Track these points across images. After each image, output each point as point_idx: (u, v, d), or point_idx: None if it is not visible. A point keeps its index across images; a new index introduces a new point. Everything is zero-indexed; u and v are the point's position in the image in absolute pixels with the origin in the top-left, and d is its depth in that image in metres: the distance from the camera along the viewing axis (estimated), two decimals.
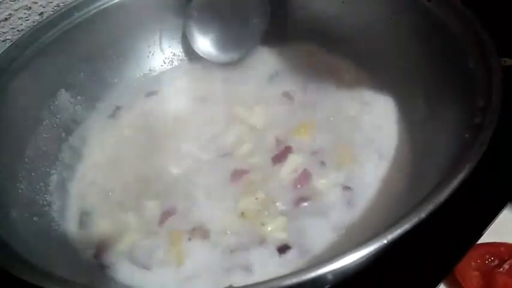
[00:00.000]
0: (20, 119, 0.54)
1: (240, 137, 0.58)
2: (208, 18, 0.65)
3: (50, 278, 0.36)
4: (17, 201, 0.49)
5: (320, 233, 0.47)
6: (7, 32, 0.66)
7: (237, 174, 0.53)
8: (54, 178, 0.55)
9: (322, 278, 0.32)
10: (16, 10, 0.66)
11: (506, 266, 0.47)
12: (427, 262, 0.46)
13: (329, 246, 0.46)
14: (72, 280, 0.36)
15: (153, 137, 0.60)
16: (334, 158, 0.53)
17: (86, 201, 0.55)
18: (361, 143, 0.55)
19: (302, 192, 0.51)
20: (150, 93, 0.66)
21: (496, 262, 0.48)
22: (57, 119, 0.59)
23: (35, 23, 0.66)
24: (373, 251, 0.33)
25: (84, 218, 0.53)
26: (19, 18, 0.67)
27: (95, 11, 0.62)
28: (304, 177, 0.52)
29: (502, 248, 0.49)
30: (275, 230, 0.48)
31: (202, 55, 0.67)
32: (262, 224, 0.48)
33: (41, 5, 0.68)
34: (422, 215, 0.34)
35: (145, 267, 0.47)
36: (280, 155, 0.55)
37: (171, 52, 0.69)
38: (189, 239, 0.49)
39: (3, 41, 0.67)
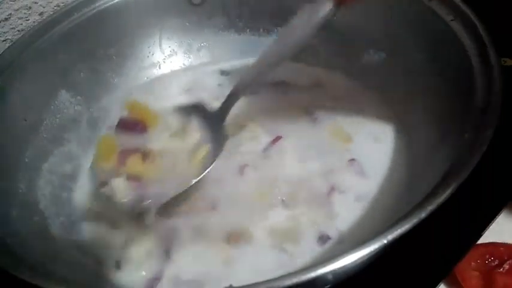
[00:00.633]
0: (20, 119, 0.54)
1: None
2: None
3: (50, 278, 0.36)
4: (17, 201, 0.49)
5: None
6: (7, 32, 0.66)
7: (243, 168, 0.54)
8: (54, 178, 0.55)
9: (323, 278, 0.32)
10: (16, 10, 0.66)
11: (506, 266, 0.47)
12: (427, 262, 0.46)
13: None
14: (72, 280, 0.36)
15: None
16: None
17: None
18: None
19: None
20: (150, 93, 0.66)
21: (496, 262, 0.48)
22: (57, 119, 0.59)
23: (35, 23, 0.66)
24: (373, 251, 0.33)
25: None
26: (19, 18, 0.67)
27: (94, 11, 0.62)
28: None
29: (502, 248, 0.49)
30: None
31: None
32: None
33: (41, 5, 0.68)
34: (423, 215, 0.34)
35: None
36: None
37: (171, 52, 0.69)
38: None
39: (3, 41, 0.67)
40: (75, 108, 0.61)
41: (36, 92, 0.57)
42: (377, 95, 0.59)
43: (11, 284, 0.37)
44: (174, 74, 0.69)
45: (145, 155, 0.51)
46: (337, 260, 0.32)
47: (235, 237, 0.48)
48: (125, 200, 0.48)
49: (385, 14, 0.58)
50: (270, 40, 0.68)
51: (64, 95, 0.60)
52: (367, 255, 0.33)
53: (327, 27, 0.47)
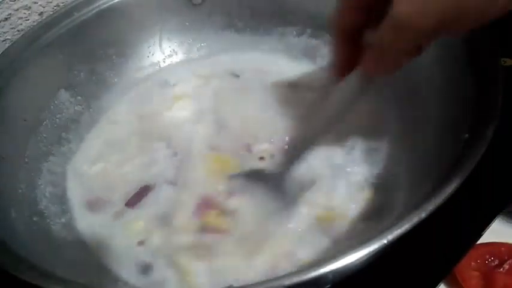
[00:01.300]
0: (20, 119, 0.54)
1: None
2: None
3: (50, 278, 0.36)
4: (17, 201, 0.49)
5: None
6: (7, 32, 0.66)
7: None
8: (54, 178, 0.55)
9: (323, 278, 0.32)
10: (16, 10, 0.66)
11: (506, 266, 0.48)
12: (427, 262, 0.46)
13: None
14: (72, 280, 0.36)
15: (152, 138, 0.60)
16: None
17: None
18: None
19: None
20: (150, 93, 0.66)
21: (496, 262, 0.48)
22: (57, 119, 0.59)
23: (35, 23, 0.66)
24: (373, 251, 0.33)
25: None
26: (19, 18, 0.67)
27: (94, 11, 0.62)
28: None
29: (502, 248, 0.49)
30: None
31: None
32: None
33: (40, 5, 0.68)
34: (423, 215, 0.34)
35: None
36: None
37: (171, 52, 0.69)
38: None
39: (3, 41, 0.67)
40: (75, 108, 0.61)
41: (36, 92, 0.57)
42: (376, 95, 0.59)
43: (11, 284, 0.37)
44: (174, 73, 0.69)
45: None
46: (338, 260, 0.32)
47: None
48: None
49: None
50: (270, 40, 0.69)
51: (64, 95, 0.60)
52: (367, 255, 0.33)
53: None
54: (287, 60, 0.67)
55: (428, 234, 0.41)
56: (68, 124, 0.60)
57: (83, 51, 0.62)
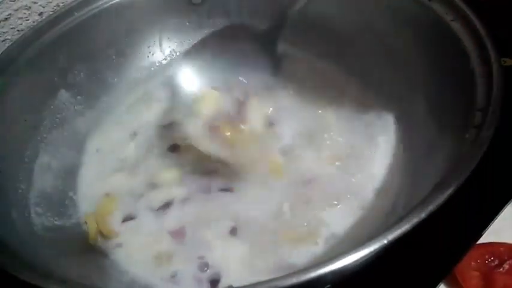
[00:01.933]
0: (20, 119, 0.54)
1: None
2: None
3: (50, 278, 0.36)
4: (17, 202, 0.49)
5: None
6: (7, 32, 0.66)
7: None
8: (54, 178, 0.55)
9: (323, 278, 0.32)
10: (16, 10, 0.66)
11: (506, 266, 0.48)
12: (427, 262, 0.46)
13: None
14: (72, 280, 0.36)
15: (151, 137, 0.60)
16: None
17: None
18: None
19: None
20: (149, 93, 0.66)
21: (496, 262, 0.48)
22: (57, 119, 0.59)
23: (35, 23, 0.66)
24: (374, 251, 0.33)
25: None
26: (19, 18, 0.67)
27: (94, 11, 0.62)
28: None
29: (502, 248, 0.49)
30: None
31: None
32: None
33: (40, 5, 0.68)
34: (423, 215, 0.34)
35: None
36: None
37: (171, 52, 0.69)
38: None
39: (2, 41, 0.67)
40: (75, 108, 0.61)
41: (36, 92, 0.57)
42: (376, 96, 0.59)
43: (11, 284, 0.37)
44: (173, 73, 0.69)
45: None
46: (337, 260, 0.32)
47: None
48: None
49: (385, 13, 0.58)
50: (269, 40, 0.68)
51: (64, 95, 0.60)
52: (367, 255, 0.33)
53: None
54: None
55: (428, 235, 0.41)
56: (68, 124, 0.60)
57: (82, 51, 0.62)
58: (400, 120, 0.56)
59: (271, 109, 0.59)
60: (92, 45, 0.63)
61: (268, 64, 0.63)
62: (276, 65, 0.63)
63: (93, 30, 0.62)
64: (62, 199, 0.55)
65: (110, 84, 0.65)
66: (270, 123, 0.58)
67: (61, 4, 0.69)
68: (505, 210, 0.51)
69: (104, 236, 0.51)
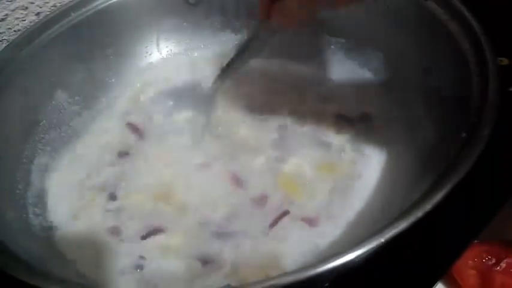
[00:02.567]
0: (18, 119, 0.54)
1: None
2: None
3: (48, 278, 0.36)
4: (15, 202, 0.49)
5: None
6: (4, 32, 0.66)
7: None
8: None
9: (320, 277, 0.32)
10: (13, 10, 0.66)
11: (503, 265, 0.48)
12: (424, 261, 0.46)
13: None
14: (70, 280, 0.36)
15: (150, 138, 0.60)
16: None
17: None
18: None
19: None
20: (148, 94, 0.66)
21: (493, 261, 0.48)
22: (54, 120, 0.59)
23: (32, 23, 0.66)
24: (371, 249, 0.33)
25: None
26: (16, 19, 0.66)
27: (91, 11, 0.62)
28: None
29: (499, 247, 0.49)
30: None
31: None
32: None
33: (37, 5, 0.67)
34: (420, 214, 0.34)
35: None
36: None
37: (169, 52, 0.69)
38: None
39: (0, 41, 0.67)
40: (73, 108, 0.61)
41: (34, 92, 0.57)
42: (372, 96, 0.59)
43: (9, 285, 0.37)
44: (172, 73, 0.69)
45: None
46: (335, 259, 0.32)
47: None
48: None
49: (381, 13, 0.58)
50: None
51: (61, 95, 0.60)
52: (364, 253, 0.33)
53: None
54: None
55: (425, 233, 0.41)
56: (66, 124, 0.60)
57: (80, 51, 0.62)
58: (396, 119, 0.56)
59: None
60: (89, 46, 0.63)
61: None
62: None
63: (90, 31, 0.62)
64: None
65: (108, 85, 0.65)
66: None
67: (58, 4, 0.69)
68: (503, 209, 0.51)
69: None
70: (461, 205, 0.46)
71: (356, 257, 0.33)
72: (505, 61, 0.61)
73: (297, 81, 0.63)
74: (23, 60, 0.56)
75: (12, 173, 0.51)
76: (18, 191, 0.50)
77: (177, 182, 0.54)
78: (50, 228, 0.51)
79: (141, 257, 0.48)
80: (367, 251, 0.33)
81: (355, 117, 0.58)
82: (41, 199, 0.53)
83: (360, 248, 0.33)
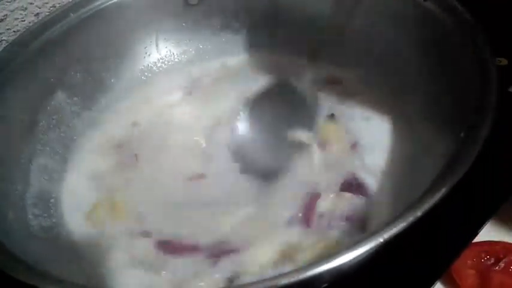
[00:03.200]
0: (17, 120, 0.54)
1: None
2: None
3: (47, 279, 0.36)
4: (14, 202, 0.49)
5: None
6: (3, 32, 0.66)
7: None
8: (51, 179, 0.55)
9: (319, 277, 0.32)
10: (12, 11, 0.66)
11: (502, 265, 0.48)
12: (423, 261, 0.46)
13: None
14: (70, 280, 0.36)
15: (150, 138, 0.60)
16: None
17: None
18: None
19: None
20: (147, 94, 0.66)
21: (492, 260, 0.48)
22: (53, 120, 0.58)
23: (31, 24, 0.66)
24: (370, 249, 0.33)
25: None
26: (15, 19, 0.67)
27: (91, 12, 0.62)
28: None
29: (498, 247, 0.49)
30: None
31: None
32: None
33: (36, 6, 0.68)
34: (419, 213, 0.34)
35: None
36: None
37: (168, 53, 0.70)
38: None
39: None
40: (72, 109, 0.61)
41: (32, 93, 0.57)
42: (372, 96, 0.59)
43: (8, 285, 0.37)
44: (171, 74, 0.69)
45: None
46: (334, 259, 0.32)
47: None
48: None
49: (379, 13, 0.58)
50: (267, 40, 0.69)
51: (60, 96, 0.60)
52: (363, 254, 0.33)
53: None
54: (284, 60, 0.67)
55: (424, 233, 0.42)
56: (65, 125, 0.60)
57: (79, 52, 0.62)
58: (395, 120, 0.56)
59: None
60: (88, 46, 0.63)
61: None
62: None
63: (89, 31, 0.62)
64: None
65: (107, 85, 0.65)
66: None
67: (57, 5, 0.69)
68: (501, 209, 0.51)
69: None
70: (460, 205, 0.46)
71: (355, 257, 0.33)
72: (503, 61, 0.61)
73: None
74: (21, 61, 0.56)
75: (11, 173, 0.51)
76: (17, 192, 0.50)
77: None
78: (49, 229, 0.51)
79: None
80: (366, 251, 0.33)
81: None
82: (40, 200, 0.53)
83: (359, 248, 0.33)
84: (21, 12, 0.66)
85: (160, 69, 0.69)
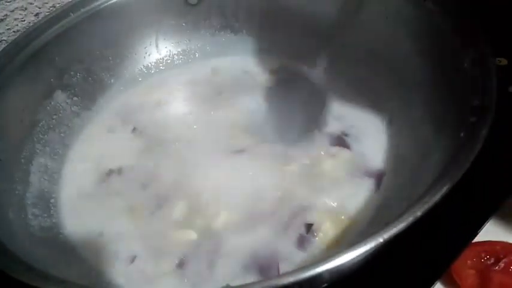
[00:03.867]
0: (17, 120, 0.54)
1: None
2: None
3: (48, 279, 0.36)
4: (14, 203, 0.49)
5: None
6: (3, 32, 0.66)
7: None
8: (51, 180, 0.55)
9: (319, 277, 0.32)
10: (12, 11, 0.66)
11: (501, 264, 0.48)
12: (423, 261, 0.46)
13: None
14: (70, 281, 0.36)
15: (149, 138, 0.60)
16: None
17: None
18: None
19: None
20: (148, 94, 0.66)
21: (492, 260, 0.48)
22: (53, 120, 0.59)
23: (31, 24, 0.66)
24: (370, 249, 0.33)
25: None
26: (15, 19, 0.66)
27: (91, 12, 0.62)
28: None
29: (498, 247, 0.49)
30: None
31: None
32: None
33: (36, 6, 0.68)
34: (418, 213, 0.34)
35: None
36: None
37: (168, 53, 0.70)
38: None
39: None
40: (72, 109, 0.61)
41: (32, 93, 0.57)
42: (371, 96, 0.59)
43: (8, 286, 0.37)
44: (170, 74, 0.69)
45: None
46: (334, 259, 0.32)
47: None
48: None
49: (379, 13, 0.58)
50: (267, 40, 0.69)
51: (60, 96, 0.60)
52: (363, 254, 0.33)
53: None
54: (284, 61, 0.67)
55: (424, 233, 0.42)
56: (65, 125, 0.60)
57: (79, 52, 0.62)
58: (395, 119, 0.56)
59: None
60: (88, 46, 0.63)
61: None
62: None
63: (89, 31, 0.62)
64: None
65: (107, 85, 0.65)
66: None
67: (57, 5, 0.69)
68: (501, 208, 0.51)
69: None
70: (459, 205, 0.46)
71: (355, 257, 0.33)
72: (503, 61, 0.61)
73: None
74: (22, 61, 0.56)
75: (11, 173, 0.51)
76: (17, 192, 0.50)
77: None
78: (49, 229, 0.51)
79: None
80: (366, 251, 0.33)
81: None
82: (40, 200, 0.53)
83: (358, 248, 0.33)
84: (21, 12, 0.66)
85: (161, 69, 0.69)
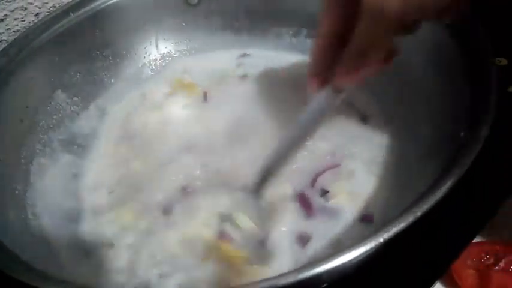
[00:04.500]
0: (17, 119, 0.54)
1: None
2: None
3: (48, 279, 0.36)
4: (14, 203, 0.49)
5: None
6: (3, 32, 0.66)
7: None
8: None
9: (319, 277, 0.32)
10: (12, 11, 0.66)
11: (501, 264, 0.48)
12: (423, 260, 0.46)
13: None
14: (71, 281, 0.36)
15: (149, 138, 0.60)
16: None
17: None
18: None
19: None
20: (147, 94, 0.66)
21: (492, 260, 0.48)
22: (53, 120, 0.59)
23: (31, 24, 0.66)
24: (370, 249, 0.33)
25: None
26: (15, 19, 0.66)
27: (90, 12, 0.62)
28: None
29: (498, 247, 0.49)
30: None
31: None
32: None
33: (36, 6, 0.68)
34: (418, 213, 0.34)
35: None
36: None
37: (168, 53, 0.70)
38: None
39: None
40: (72, 109, 0.61)
41: (33, 93, 0.57)
42: (371, 96, 0.59)
43: (8, 285, 0.37)
44: (170, 74, 0.69)
45: None
46: (334, 259, 0.32)
47: None
48: None
49: None
50: (266, 40, 0.69)
51: (60, 96, 0.60)
52: (363, 254, 0.33)
53: None
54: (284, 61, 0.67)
55: (424, 233, 0.42)
56: (65, 125, 0.60)
57: (79, 52, 0.62)
58: (395, 120, 0.56)
59: None
60: (88, 46, 0.63)
61: None
62: None
63: (89, 31, 0.62)
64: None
65: (107, 85, 0.65)
66: None
67: (57, 5, 0.69)
68: (501, 208, 0.51)
69: None
70: (459, 205, 0.47)
71: (355, 257, 0.33)
72: (503, 61, 0.61)
73: None
74: (22, 61, 0.56)
75: (11, 173, 0.51)
76: (17, 192, 0.50)
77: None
78: (49, 229, 0.51)
79: None
80: (366, 251, 0.33)
81: None
82: (40, 200, 0.53)
83: (358, 248, 0.33)
84: (21, 12, 0.66)
85: (161, 69, 0.69)
